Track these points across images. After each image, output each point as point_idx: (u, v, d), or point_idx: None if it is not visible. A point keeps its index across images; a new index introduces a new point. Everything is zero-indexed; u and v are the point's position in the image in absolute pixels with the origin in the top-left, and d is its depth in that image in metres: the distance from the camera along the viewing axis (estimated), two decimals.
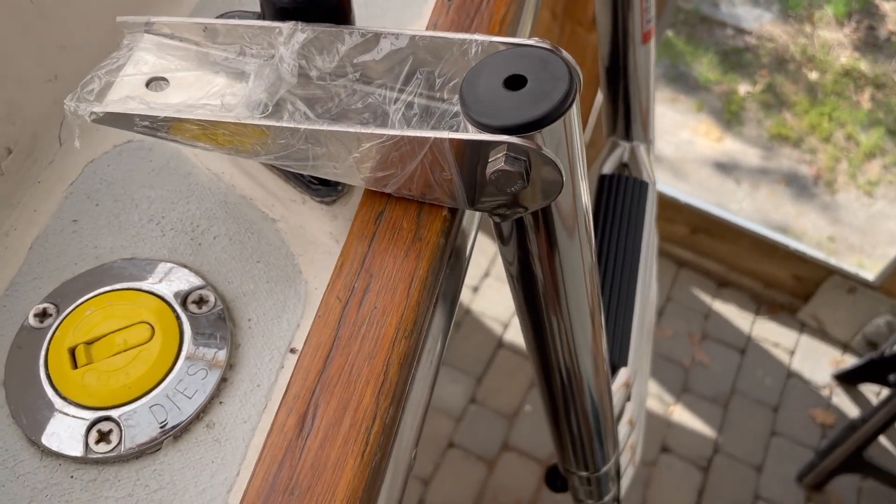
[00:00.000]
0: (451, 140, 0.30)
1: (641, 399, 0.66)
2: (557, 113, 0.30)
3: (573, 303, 0.41)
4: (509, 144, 0.30)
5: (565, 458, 0.57)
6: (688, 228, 1.95)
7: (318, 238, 0.40)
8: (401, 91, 0.35)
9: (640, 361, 0.62)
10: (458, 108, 0.35)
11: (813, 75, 2.32)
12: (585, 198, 0.35)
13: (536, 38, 0.33)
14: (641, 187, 0.65)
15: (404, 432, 0.32)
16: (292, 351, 0.37)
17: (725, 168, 2.17)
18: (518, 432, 1.77)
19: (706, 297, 2.00)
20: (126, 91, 0.33)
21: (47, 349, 0.36)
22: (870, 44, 2.34)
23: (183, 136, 0.33)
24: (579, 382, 0.47)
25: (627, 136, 0.69)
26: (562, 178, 0.31)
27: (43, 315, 0.37)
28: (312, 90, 0.35)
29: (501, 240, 0.39)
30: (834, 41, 2.35)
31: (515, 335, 1.89)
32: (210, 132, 0.32)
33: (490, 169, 0.30)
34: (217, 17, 0.39)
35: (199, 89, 0.34)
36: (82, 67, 0.43)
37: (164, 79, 0.34)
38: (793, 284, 1.93)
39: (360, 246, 0.34)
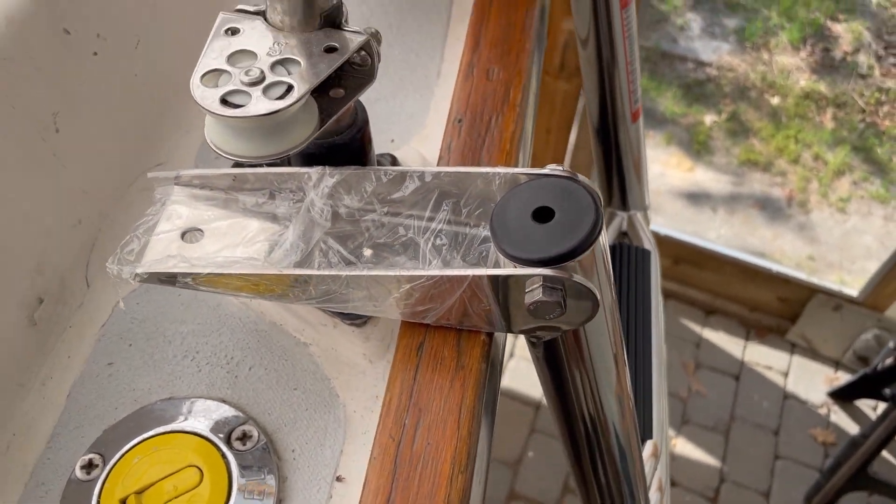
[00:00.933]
0: (489, 276, 0.32)
1: (667, 461, 0.67)
2: (588, 242, 0.31)
3: (604, 395, 0.42)
4: (545, 276, 0.31)
5: None
6: (670, 260, 1.98)
7: (352, 359, 0.41)
8: (429, 220, 0.36)
9: (663, 427, 0.63)
10: (486, 232, 0.36)
11: (775, 100, 2.39)
12: (615, 309, 0.36)
13: (552, 166, 0.34)
14: (644, 255, 0.67)
15: None
16: (339, 479, 0.37)
17: (700, 197, 2.22)
18: (524, 480, 1.76)
19: (695, 327, 2.02)
20: (163, 247, 0.34)
21: (98, 502, 0.36)
22: (826, 65, 2.43)
23: (225, 288, 0.34)
24: (615, 469, 0.48)
25: (624, 205, 0.71)
26: (597, 302, 0.32)
27: (89, 466, 0.37)
28: (343, 226, 0.36)
29: (532, 346, 0.40)
30: (792, 66, 2.43)
31: (512, 381, 1.89)
32: (252, 283, 0.33)
33: (529, 300, 0.31)
34: None
35: (234, 236, 0.35)
36: (104, 209, 0.44)
37: (199, 229, 0.35)
38: (778, 306, 1.96)
39: (406, 380, 0.34)
